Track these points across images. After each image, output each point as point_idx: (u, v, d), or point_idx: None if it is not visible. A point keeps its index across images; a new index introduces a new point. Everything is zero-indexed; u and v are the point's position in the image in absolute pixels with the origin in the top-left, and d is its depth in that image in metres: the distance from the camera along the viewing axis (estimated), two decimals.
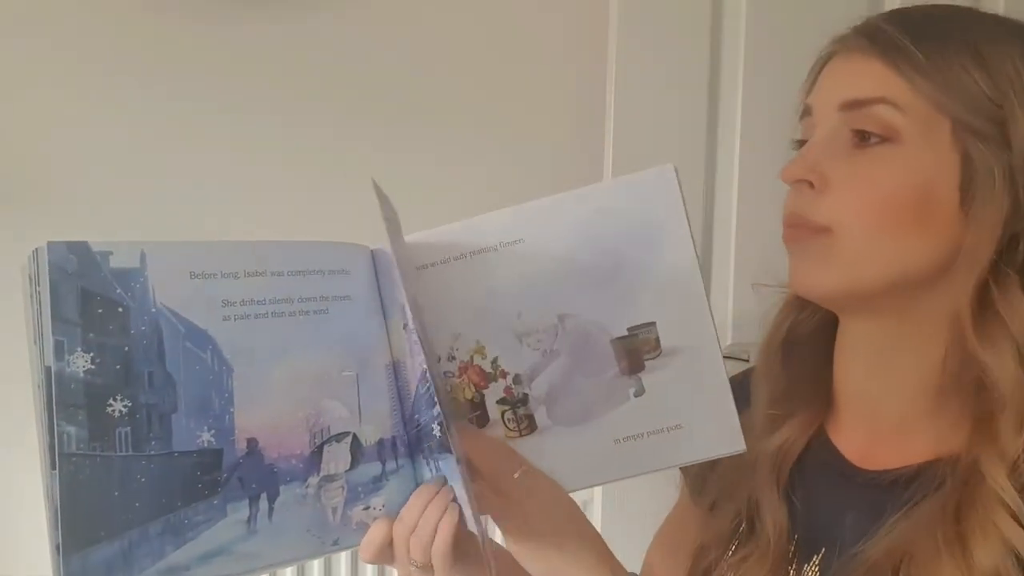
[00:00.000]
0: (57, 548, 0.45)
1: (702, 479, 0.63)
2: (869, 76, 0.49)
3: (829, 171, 0.50)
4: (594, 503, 1.04)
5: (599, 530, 0.99)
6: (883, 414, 0.53)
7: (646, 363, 0.56)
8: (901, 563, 0.46)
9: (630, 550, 1.00)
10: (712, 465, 0.60)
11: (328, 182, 1.05)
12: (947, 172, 0.47)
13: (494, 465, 0.53)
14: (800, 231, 0.51)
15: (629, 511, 1.00)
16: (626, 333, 0.56)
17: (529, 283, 0.56)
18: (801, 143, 0.54)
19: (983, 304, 0.46)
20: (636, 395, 0.57)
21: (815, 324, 0.58)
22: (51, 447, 0.46)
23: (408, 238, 0.57)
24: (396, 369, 0.54)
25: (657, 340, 0.56)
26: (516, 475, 0.53)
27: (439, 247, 0.56)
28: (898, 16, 0.51)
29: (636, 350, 0.56)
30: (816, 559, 0.53)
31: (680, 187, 0.54)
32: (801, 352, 0.58)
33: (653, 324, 0.56)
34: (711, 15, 1.01)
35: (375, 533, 0.54)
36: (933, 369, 0.50)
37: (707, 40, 1.01)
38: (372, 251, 0.55)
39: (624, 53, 0.99)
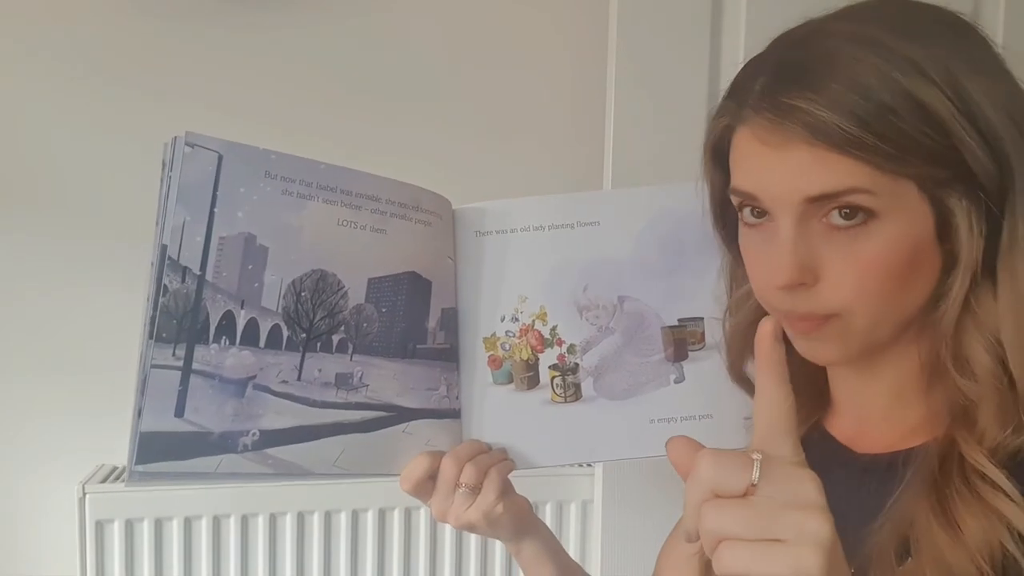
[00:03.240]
0: (139, 412, 0.50)
1: None
2: (826, 167, 0.45)
3: (814, 262, 0.48)
4: (594, 503, 1.07)
5: (599, 530, 1.03)
6: (870, 407, 0.55)
7: (690, 353, 0.62)
8: (908, 540, 0.47)
9: (630, 550, 1.04)
10: None
11: None
12: (924, 224, 0.47)
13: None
14: (808, 323, 0.50)
15: (629, 511, 1.03)
16: (676, 323, 0.62)
17: (597, 262, 0.62)
18: (753, 208, 0.50)
19: (963, 311, 0.48)
20: (676, 381, 0.62)
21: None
22: (152, 319, 0.51)
23: (493, 203, 0.62)
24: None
25: (703, 334, 0.62)
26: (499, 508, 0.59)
27: (521, 216, 0.62)
28: (809, 84, 0.45)
29: (683, 340, 0.62)
30: None
31: None
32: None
33: (701, 319, 0.62)
34: (711, 15, 1.01)
35: (418, 465, 0.59)
36: (914, 369, 0.52)
37: (707, 40, 1.01)
38: (454, 209, 0.62)
39: (624, 53, 0.98)
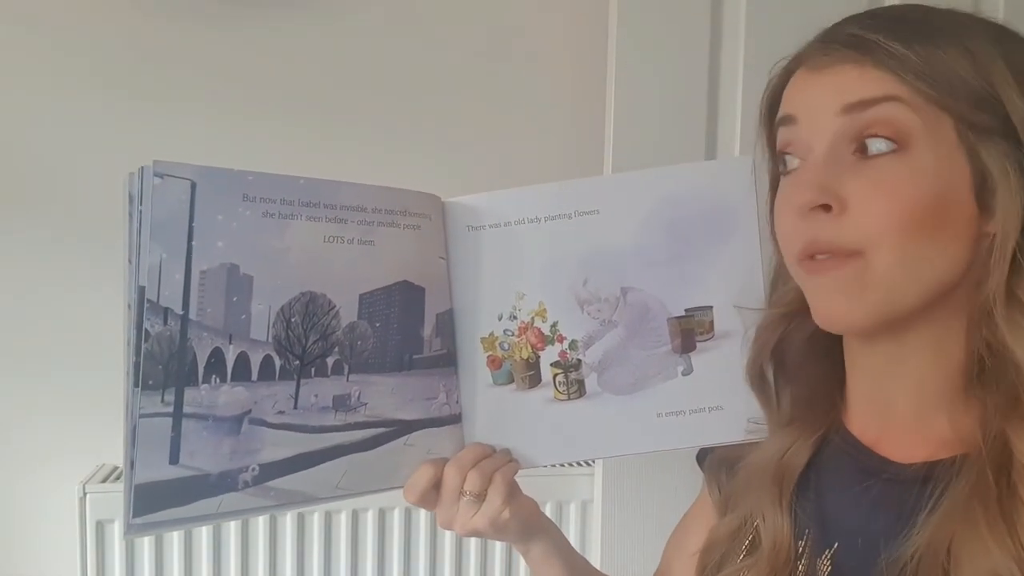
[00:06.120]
0: (131, 464, 0.48)
1: (721, 480, 0.62)
2: (866, 80, 0.47)
3: (842, 189, 0.47)
4: (594, 503, 1.05)
5: (599, 530, 1.01)
6: (898, 410, 0.52)
7: (698, 344, 0.59)
8: (948, 554, 0.45)
9: (630, 550, 1.02)
10: (730, 466, 0.61)
11: None
12: (958, 172, 0.46)
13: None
14: (828, 262, 0.48)
15: (629, 511, 1.01)
16: (683, 313, 0.59)
17: (598, 253, 0.59)
18: (782, 154, 0.51)
19: (1008, 293, 0.46)
20: (684, 373, 0.59)
21: (808, 333, 0.55)
22: (136, 366, 0.48)
23: (486, 196, 0.60)
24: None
25: (712, 323, 0.59)
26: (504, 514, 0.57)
27: (515, 207, 0.59)
28: (874, 21, 0.48)
29: (691, 330, 0.59)
30: (828, 553, 0.53)
31: (755, 178, 0.57)
32: (798, 362, 0.56)
33: (710, 307, 0.59)
34: (711, 15, 1.01)
35: (421, 475, 0.57)
36: (954, 366, 0.49)
37: (707, 40, 1.01)
38: (444, 203, 0.59)
39: (624, 53, 0.99)
